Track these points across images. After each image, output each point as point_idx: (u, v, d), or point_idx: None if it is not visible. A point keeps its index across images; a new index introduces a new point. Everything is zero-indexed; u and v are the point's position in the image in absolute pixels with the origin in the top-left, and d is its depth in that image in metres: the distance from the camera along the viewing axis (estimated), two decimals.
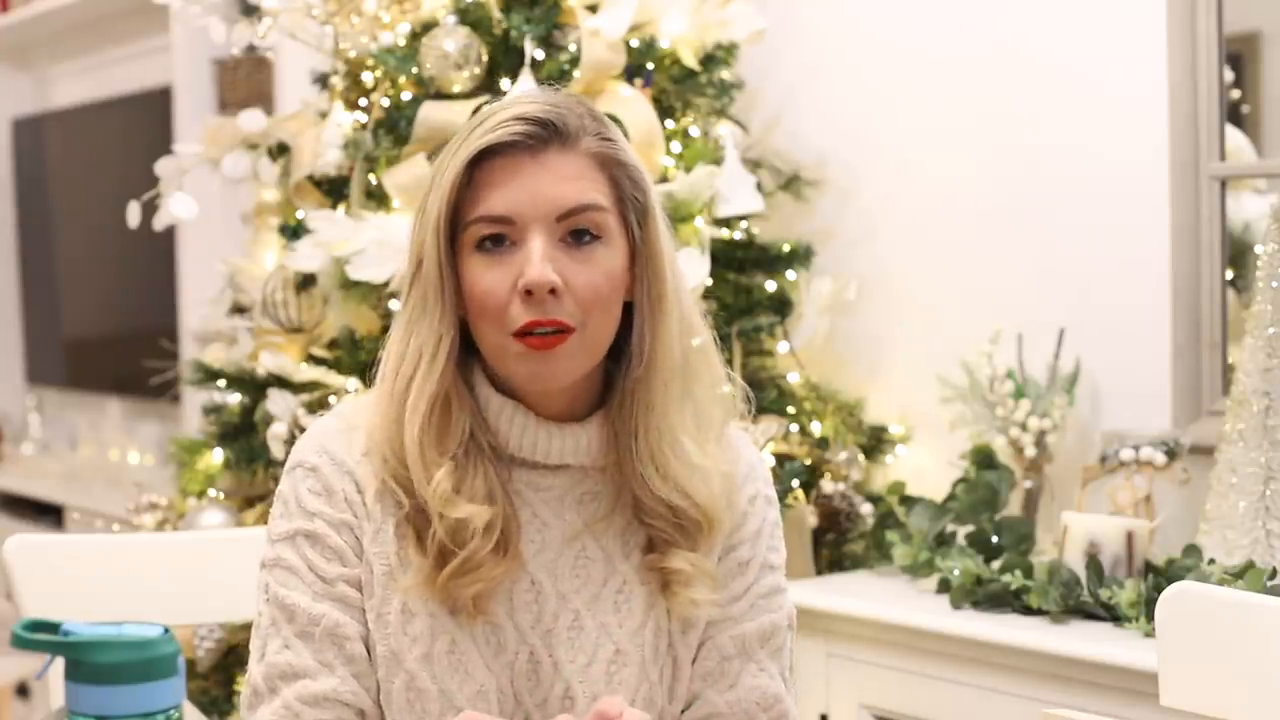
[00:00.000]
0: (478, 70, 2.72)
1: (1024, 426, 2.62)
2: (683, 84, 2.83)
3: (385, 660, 1.44)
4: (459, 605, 1.43)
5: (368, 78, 2.86)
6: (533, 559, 1.46)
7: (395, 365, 1.46)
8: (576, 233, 1.41)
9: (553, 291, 1.38)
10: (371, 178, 2.76)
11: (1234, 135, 2.57)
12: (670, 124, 2.80)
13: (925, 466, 2.87)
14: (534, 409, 1.46)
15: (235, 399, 2.93)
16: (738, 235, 2.81)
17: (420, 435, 1.42)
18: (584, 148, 1.43)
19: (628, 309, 1.46)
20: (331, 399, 2.72)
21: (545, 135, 1.41)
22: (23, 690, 4.45)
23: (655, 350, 1.45)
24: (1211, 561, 2.24)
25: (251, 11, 3.02)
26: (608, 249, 1.42)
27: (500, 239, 1.41)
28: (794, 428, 2.78)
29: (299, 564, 1.44)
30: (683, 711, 1.52)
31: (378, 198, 2.75)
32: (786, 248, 2.85)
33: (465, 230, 1.42)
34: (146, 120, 4.63)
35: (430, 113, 2.69)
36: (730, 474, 1.50)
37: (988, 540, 2.52)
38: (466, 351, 1.45)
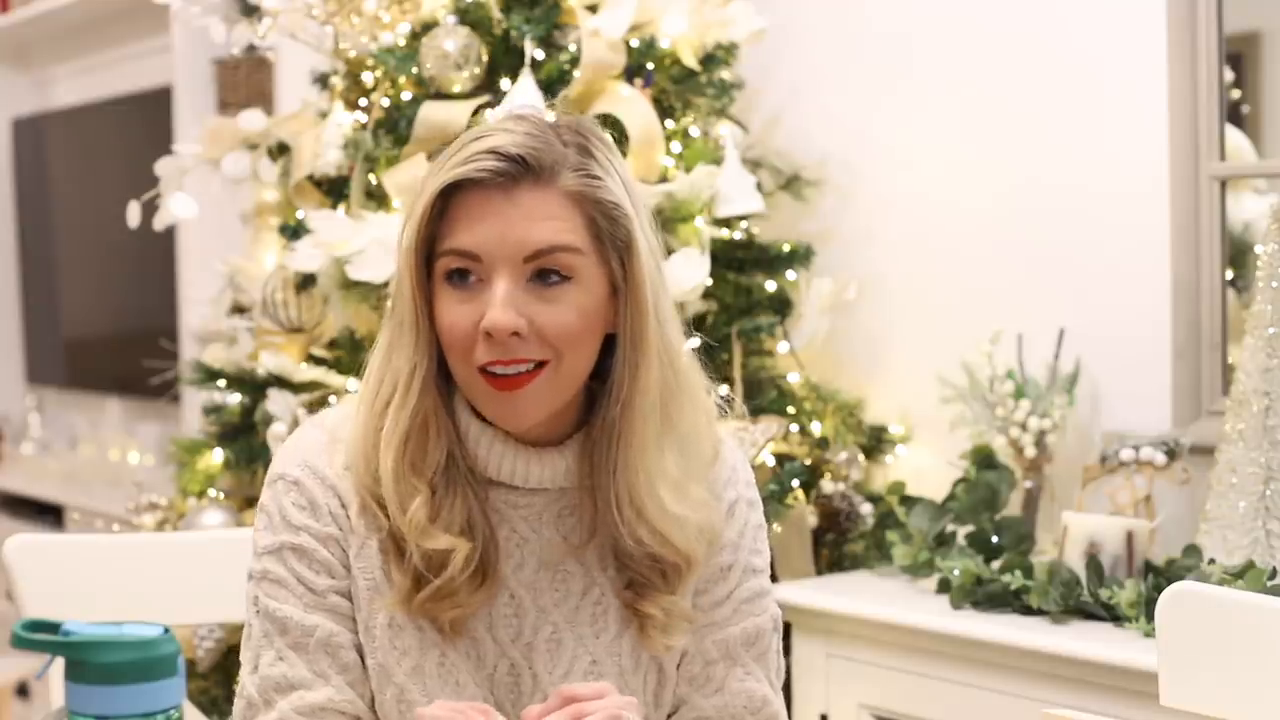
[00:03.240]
0: (478, 70, 2.72)
1: (1024, 426, 2.62)
2: (683, 84, 2.83)
3: (375, 673, 1.44)
4: (439, 626, 1.42)
5: (368, 78, 2.86)
6: (512, 575, 1.46)
7: (375, 386, 1.45)
8: (545, 272, 1.38)
9: (516, 334, 1.37)
10: (371, 178, 2.76)
11: (1234, 135, 2.57)
12: (670, 124, 2.79)
13: (925, 466, 2.87)
14: (512, 434, 1.44)
15: (235, 399, 2.94)
16: (738, 235, 2.80)
17: (395, 465, 1.41)
18: (561, 185, 1.39)
19: (610, 338, 1.44)
20: (331, 399, 2.72)
21: (517, 172, 1.38)
22: (23, 690, 4.44)
23: (634, 388, 1.42)
24: (1211, 561, 2.24)
25: (251, 11, 3.02)
26: (579, 288, 1.39)
27: (469, 273, 1.39)
28: (794, 428, 2.78)
29: (288, 577, 1.44)
30: (669, 717, 1.52)
31: (378, 198, 2.75)
32: (786, 248, 2.85)
33: (437, 259, 1.40)
34: (146, 120, 4.63)
35: (430, 113, 2.69)
36: (711, 515, 1.48)
37: (988, 540, 2.52)
38: (447, 376, 1.43)
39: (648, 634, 1.47)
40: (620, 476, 1.43)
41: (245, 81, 4.22)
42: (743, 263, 2.82)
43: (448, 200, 1.40)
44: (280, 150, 2.97)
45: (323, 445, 1.47)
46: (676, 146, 2.78)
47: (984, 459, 2.61)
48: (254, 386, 2.88)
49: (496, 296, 1.37)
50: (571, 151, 1.41)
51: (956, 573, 2.38)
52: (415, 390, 1.41)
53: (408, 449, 1.41)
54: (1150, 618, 1.99)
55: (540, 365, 1.39)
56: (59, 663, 1.20)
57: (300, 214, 2.84)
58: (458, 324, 1.39)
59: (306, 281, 2.79)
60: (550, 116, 1.46)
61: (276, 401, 2.74)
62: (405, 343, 1.42)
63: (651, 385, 1.43)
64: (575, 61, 2.70)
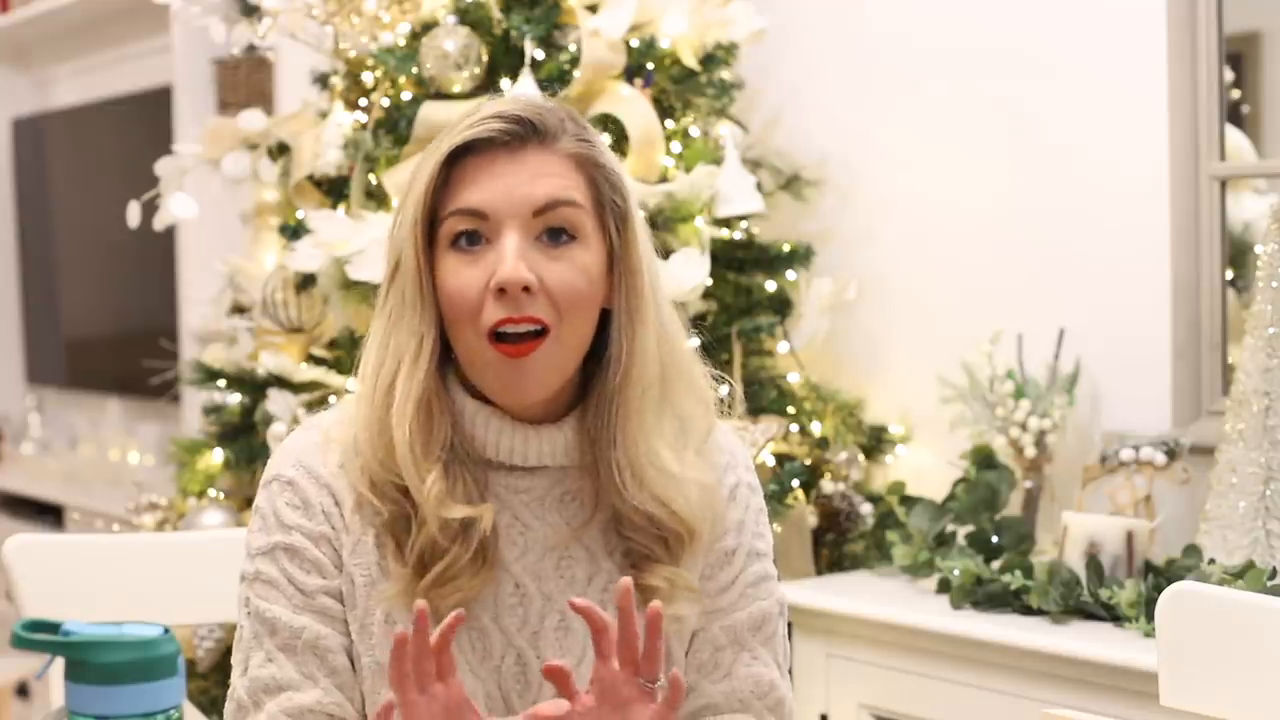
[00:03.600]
0: (478, 70, 2.72)
1: (1024, 426, 2.62)
2: (683, 84, 2.83)
3: (372, 671, 1.44)
4: (440, 615, 1.42)
5: (368, 78, 2.86)
6: (516, 562, 1.46)
7: (375, 369, 1.44)
8: (553, 231, 1.40)
9: (526, 290, 1.37)
10: (371, 178, 2.76)
11: (1234, 135, 2.57)
12: (670, 124, 2.80)
13: (925, 466, 2.87)
14: (509, 412, 1.45)
15: (235, 399, 2.94)
16: (738, 235, 2.81)
17: (410, 437, 1.40)
18: (563, 147, 1.42)
19: (604, 316, 1.45)
20: (331, 399, 2.72)
21: (523, 133, 1.40)
22: (23, 690, 4.45)
23: (632, 359, 1.43)
24: (1211, 561, 2.24)
25: (251, 11, 3.02)
26: (585, 249, 1.41)
27: (475, 236, 1.40)
28: (794, 428, 2.78)
29: (278, 577, 1.44)
30: None
31: (378, 198, 2.75)
32: (786, 248, 2.85)
33: (441, 225, 1.41)
34: (146, 120, 4.63)
35: (430, 113, 2.69)
36: (711, 484, 1.49)
37: (988, 540, 2.52)
38: (442, 358, 1.44)
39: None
40: (620, 446, 1.44)
41: (245, 81, 4.22)
42: (743, 263, 2.82)
43: (451, 168, 1.41)
44: (280, 150, 2.97)
45: (317, 445, 1.48)
46: (676, 146, 2.78)
47: (984, 459, 2.61)
48: (254, 386, 2.88)
49: (508, 251, 1.38)
50: (568, 121, 1.44)
51: (956, 573, 2.38)
52: (424, 361, 1.42)
53: (418, 424, 1.41)
54: (1150, 618, 2.00)
55: (543, 333, 1.39)
56: (59, 663, 1.20)
57: (300, 214, 2.84)
58: (466, 287, 1.39)
59: (306, 281, 2.79)
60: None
61: (276, 401, 2.74)
62: (409, 316, 1.42)
63: (650, 356, 1.44)
64: (575, 61, 2.70)
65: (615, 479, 1.44)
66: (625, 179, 1.45)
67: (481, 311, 1.38)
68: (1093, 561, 2.29)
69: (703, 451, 1.51)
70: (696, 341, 1.59)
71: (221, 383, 2.97)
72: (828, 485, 2.78)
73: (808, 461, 2.78)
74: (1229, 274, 2.55)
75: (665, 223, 2.65)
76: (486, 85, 2.74)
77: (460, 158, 1.41)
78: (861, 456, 2.85)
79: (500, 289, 1.37)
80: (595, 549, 1.48)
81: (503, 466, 1.47)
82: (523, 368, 1.39)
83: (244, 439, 2.90)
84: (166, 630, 1.21)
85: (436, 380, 1.43)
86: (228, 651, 2.82)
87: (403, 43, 2.79)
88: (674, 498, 1.45)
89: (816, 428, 2.81)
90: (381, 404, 1.43)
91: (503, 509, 1.46)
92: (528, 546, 1.47)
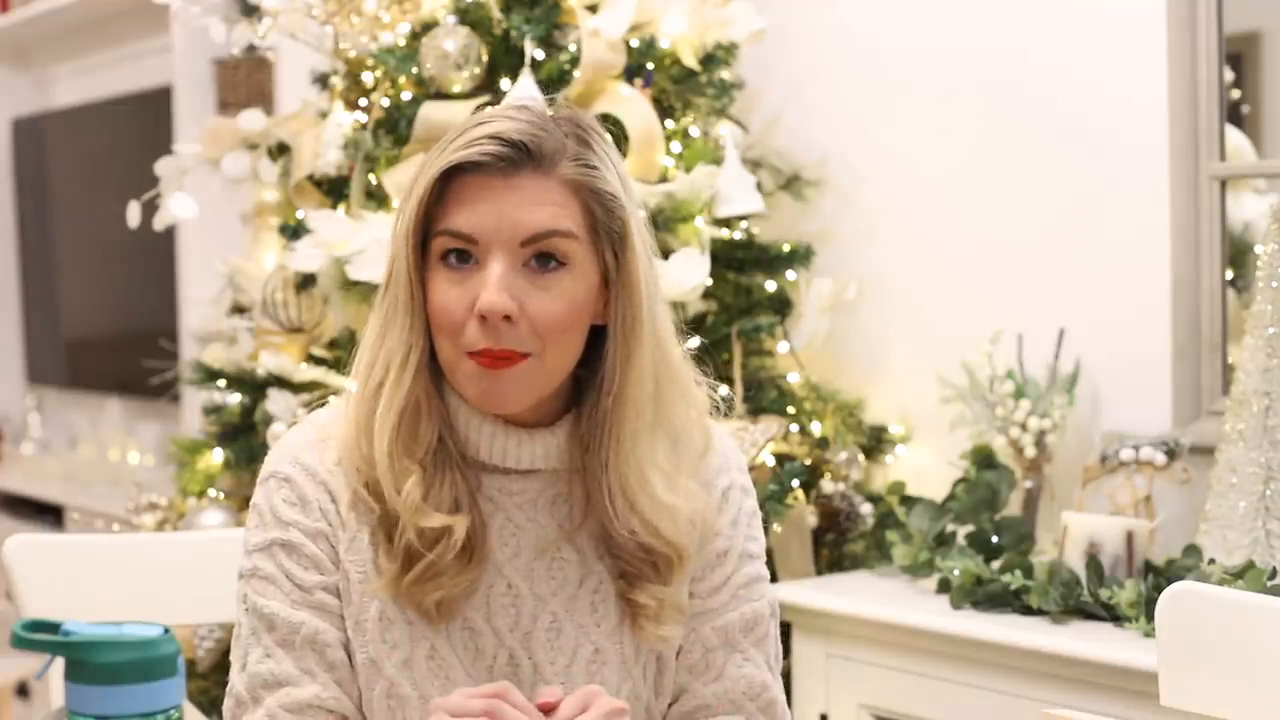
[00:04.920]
0: (478, 70, 2.72)
1: (1024, 426, 2.62)
2: (683, 84, 2.83)
3: (365, 668, 1.44)
4: (425, 610, 1.42)
5: (368, 78, 2.86)
6: (508, 563, 1.46)
7: (367, 368, 1.45)
8: (541, 258, 1.39)
9: (508, 318, 1.37)
10: (371, 178, 2.76)
11: (1234, 135, 2.57)
12: (670, 124, 2.80)
13: (925, 466, 2.87)
14: (501, 415, 1.45)
15: (235, 399, 2.94)
16: (738, 235, 2.81)
17: (389, 446, 1.41)
18: (560, 173, 1.40)
19: (600, 330, 1.45)
20: (332, 399, 2.72)
21: (518, 158, 1.39)
22: (23, 690, 4.45)
23: (627, 379, 1.43)
24: (1211, 561, 2.24)
25: (251, 11, 3.02)
26: (573, 276, 1.40)
27: (464, 256, 1.40)
28: (794, 428, 2.78)
29: (276, 573, 1.45)
30: (670, 705, 1.52)
31: (378, 198, 2.75)
32: (786, 248, 2.85)
33: (433, 241, 1.41)
34: (146, 120, 4.63)
35: (430, 113, 2.69)
36: (701, 509, 1.49)
37: (988, 540, 2.52)
38: (438, 358, 1.44)
39: (639, 624, 1.47)
40: (612, 468, 1.44)
41: (245, 81, 4.22)
42: (743, 263, 2.82)
43: (447, 184, 1.41)
44: (280, 150, 2.97)
45: (313, 442, 1.49)
46: (676, 146, 2.78)
47: (984, 459, 2.61)
48: (254, 386, 2.88)
49: (491, 278, 1.38)
50: (570, 141, 1.42)
51: (956, 573, 2.38)
52: (410, 372, 1.42)
53: (401, 430, 1.42)
54: (1150, 618, 2.00)
55: (522, 356, 1.39)
56: (59, 663, 1.19)
57: (300, 214, 2.84)
58: (450, 306, 1.39)
59: (306, 281, 2.80)
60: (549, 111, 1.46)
61: (276, 401, 2.74)
62: (400, 325, 1.43)
63: (644, 377, 1.44)
64: (575, 61, 2.70)
65: (606, 503, 1.44)
66: (626, 198, 1.43)
67: (463, 332, 1.39)
68: (1093, 561, 2.29)
69: (697, 469, 1.51)
70: (695, 342, 1.58)
71: (221, 383, 2.97)
72: (828, 485, 2.78)
73: (808, 461, 2.78)
74: (1229, 274, 2.55)
75: (665, 223, 2.65)
76: (486, 85, 2.74)
77: (456, 174, 1.40)
78: (861, 456, 2.85)
79: (482, 316, 1.37)
80: (587, 551, 1.48)
81: (496, 469, 1.47)
82: (500, 379, 1.39)
83: (244, 439, 2.90)
84: (166, 630, 1.20)
85: (428, 383, 1.43)
86: (228, 651, 2.81)
87: (403, 43, 2.79)
88: (663, 523, 1.45)
89: (816, 428, 2.81)
90: (368, 406, 1.44)
91: (495, 511, 1.47)
92: (520, 548, 1.47)
